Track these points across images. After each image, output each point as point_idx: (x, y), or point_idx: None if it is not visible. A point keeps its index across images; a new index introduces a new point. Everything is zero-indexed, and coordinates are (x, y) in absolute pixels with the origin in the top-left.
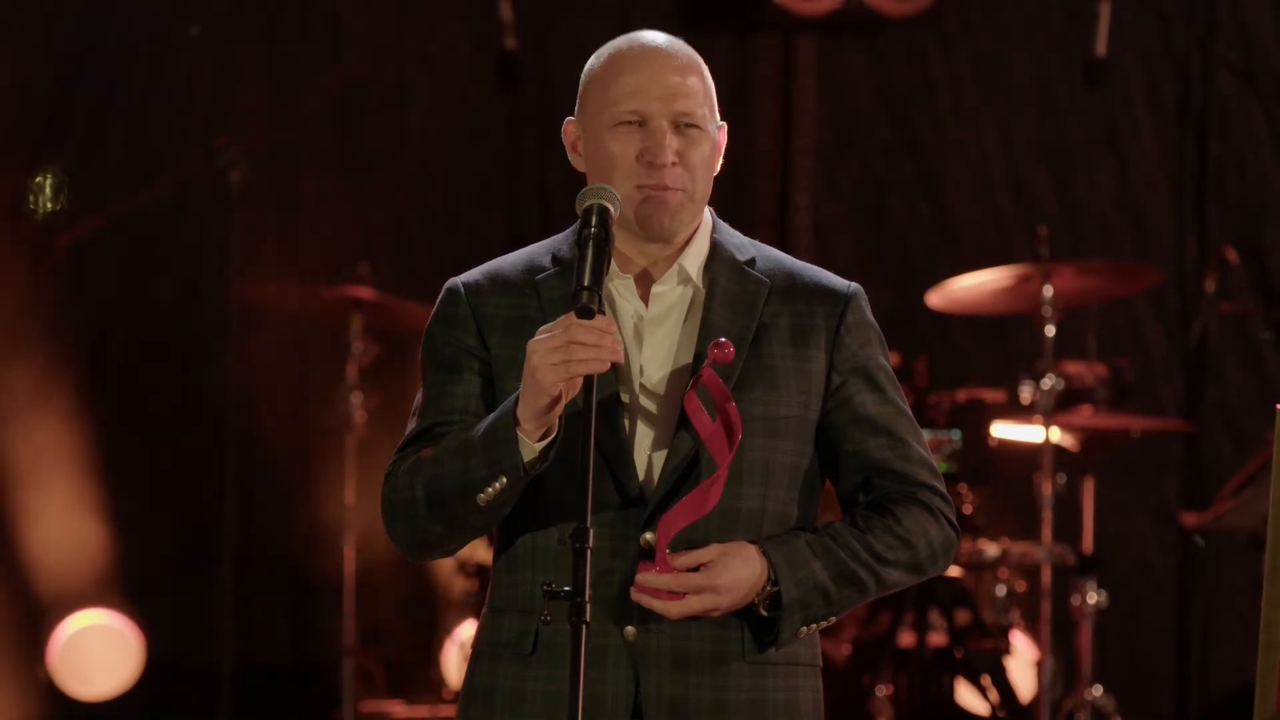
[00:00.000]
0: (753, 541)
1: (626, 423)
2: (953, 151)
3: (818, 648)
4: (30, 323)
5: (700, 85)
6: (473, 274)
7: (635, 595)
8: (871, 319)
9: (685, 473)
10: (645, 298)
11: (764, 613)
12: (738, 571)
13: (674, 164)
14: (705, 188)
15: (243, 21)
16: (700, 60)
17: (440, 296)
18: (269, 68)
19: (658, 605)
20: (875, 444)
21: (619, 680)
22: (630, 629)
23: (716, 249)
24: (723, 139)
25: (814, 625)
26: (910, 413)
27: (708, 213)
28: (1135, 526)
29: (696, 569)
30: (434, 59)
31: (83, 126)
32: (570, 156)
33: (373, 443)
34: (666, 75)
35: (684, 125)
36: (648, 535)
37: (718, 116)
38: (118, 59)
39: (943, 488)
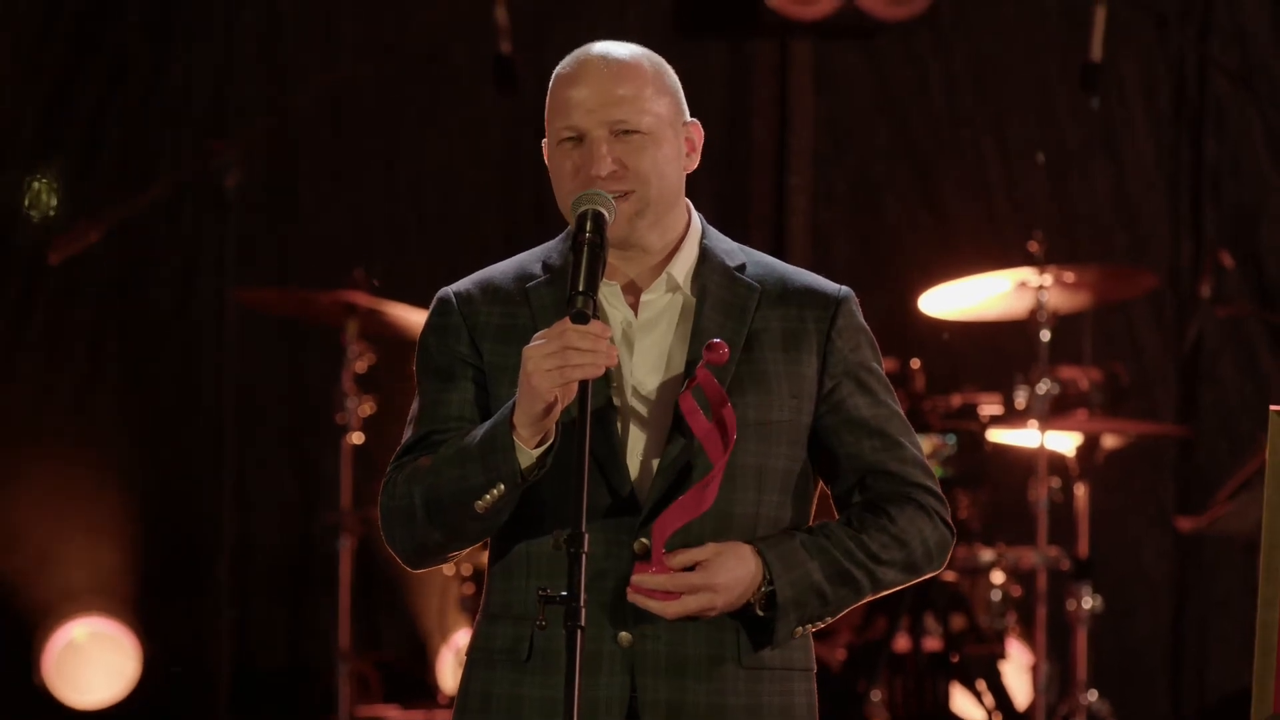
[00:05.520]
0: (748, 542)
1: (619, 428)
2: (949, 155)
3: (812, 653)
4: (27, 326)
5: (645, 89)
6: (463, 283)
7: (631, 596)
8: (862, 322)
9: (679, 478)
10: (634, 306)
11: (760, 613)
12: (733, 570)
13: (615, 172)
14: (663, 189)
15: (239, 24)
16: (651, 62)
17: (432, 307)
18: (265, 71)
19: (654, 605)
20: (869, 446)
21: (614, 685)
22: (625, 634)
23: (706, 255)
24: (697, 135)
25: (810, 625)
26: (903, 414)
27: (697, 219)
28: (1130, 531)
29: (692, 569)
30: (430, 63)
31: (79, 130)
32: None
33: (368, 447)
34: (602, 86)
35: (623, 133)
36: (643, 540)
37: (685, 114)
38: (115, 61)
39: (937, 487)
